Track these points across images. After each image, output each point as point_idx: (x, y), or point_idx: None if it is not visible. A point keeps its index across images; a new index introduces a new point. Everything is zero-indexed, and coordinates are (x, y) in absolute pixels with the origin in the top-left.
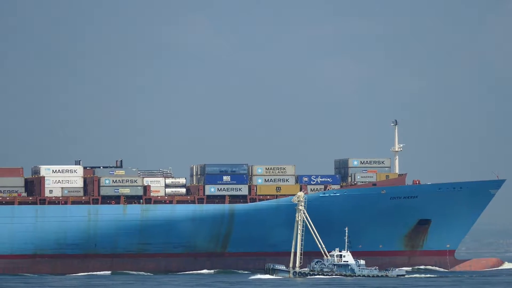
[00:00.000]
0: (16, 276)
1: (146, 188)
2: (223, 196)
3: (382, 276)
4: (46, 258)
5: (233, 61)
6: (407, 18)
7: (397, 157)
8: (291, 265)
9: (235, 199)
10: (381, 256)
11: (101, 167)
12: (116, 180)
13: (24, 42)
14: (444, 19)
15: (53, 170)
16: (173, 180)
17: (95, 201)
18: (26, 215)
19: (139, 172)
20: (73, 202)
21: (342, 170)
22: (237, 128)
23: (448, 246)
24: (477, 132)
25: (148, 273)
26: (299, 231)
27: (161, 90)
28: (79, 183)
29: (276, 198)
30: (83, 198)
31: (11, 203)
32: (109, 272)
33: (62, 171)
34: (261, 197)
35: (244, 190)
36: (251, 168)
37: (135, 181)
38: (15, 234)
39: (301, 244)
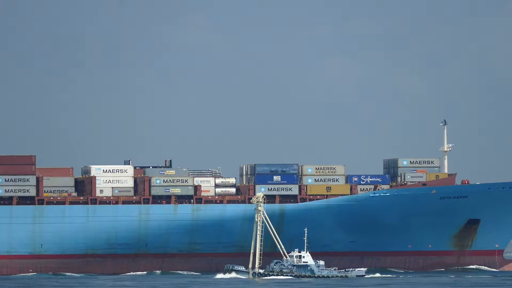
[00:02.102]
0: (67, 275)
1: (196, 188)
2: (274, 196)
3: (341, 276)
4: (97, 258)
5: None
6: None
7: (446, 157)
8: (250, 265)
9: (285, 199)
10: (430, 256)
11: (151, 167)
12: (167, 180)
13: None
14: (444, 19)
15: (103, 170)
16: (223, 180)
17: (146, 201)
18: (77, 215)
19: (189, 172)
20: (124, 202)
21: (391, 170)
22: (286, 128)
23: (497, 246)
24: None
25: (199, 273)
26: (258, 232)
27: (206, 89)
28: (130, 183)
29: (326, 198)
30: (134, 198)
31: (62, 202)
32: (144, 272)
33: (113, 171)
34: (311, 197)
35: (294, 190)
36: (301, 168)
37: (185, 181)
38: (66, 234)
39: (260, 244)
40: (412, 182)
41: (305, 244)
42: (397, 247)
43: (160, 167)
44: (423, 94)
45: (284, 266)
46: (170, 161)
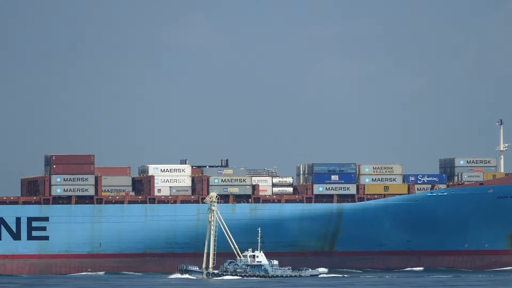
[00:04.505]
0: (126, 275)
1: (254, 187)
2: (331, 196)
3: (295, 276)
4: (156, 257)
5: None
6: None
7: (502, 156)
8: (204, 266)
9: (343, 198)
10: (487, 255)
11: (207, 166)
12: (225, 179)
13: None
14: (444, 19)
15: (161, 169)
16: (280, 179)
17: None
18: (136, 214)
19: (246, 171)
20: (182, 201)
21: (447, 169)
22: (343, 127)
23: None
24: None
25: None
26: (212, 232)
27: (255, 88)
28: (187, 182)
29: (383, 197)
30: (192, 197)
31: (120, 202)
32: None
33: (171, 170)
34: (368, 196)
35: (352, 189)
36: (359, 167)
37: (243, 180)
38: (124, 233)
39: (214, 244)
40: (469, 181)
41: (259, 243)
42: (453, 246)
43: (217, 166)
44: (477, 93)
45: (238, 266)
46: (227, 160)
